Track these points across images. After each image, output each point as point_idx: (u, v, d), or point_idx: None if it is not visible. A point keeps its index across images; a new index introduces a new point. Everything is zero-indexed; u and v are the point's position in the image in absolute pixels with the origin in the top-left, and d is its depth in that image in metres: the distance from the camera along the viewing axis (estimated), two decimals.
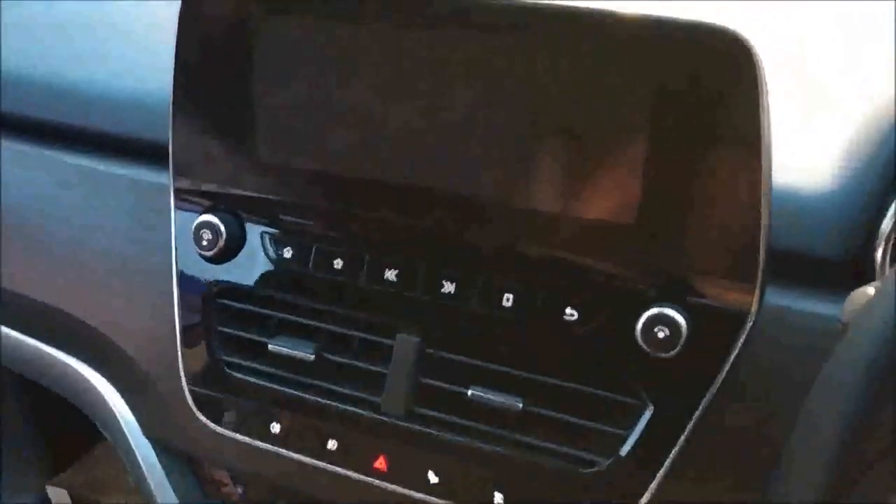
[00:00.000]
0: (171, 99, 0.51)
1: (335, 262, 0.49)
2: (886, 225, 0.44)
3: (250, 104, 0.49)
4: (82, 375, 0.64)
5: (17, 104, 0.66)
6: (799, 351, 0.44)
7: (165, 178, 0.54)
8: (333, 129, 0.48)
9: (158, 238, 0.57)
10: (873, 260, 0.44)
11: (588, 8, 0.41)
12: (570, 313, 0.45)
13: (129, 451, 0.62)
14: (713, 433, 0.44)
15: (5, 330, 0.68)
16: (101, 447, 0.97)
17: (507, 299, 0.46)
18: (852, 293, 0.36)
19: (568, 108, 0.43)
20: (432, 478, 0.49)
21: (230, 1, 0.48)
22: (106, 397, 0.63)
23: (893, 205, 0.45)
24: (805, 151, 0.47)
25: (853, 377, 0.29)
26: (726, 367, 0.42)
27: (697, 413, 0.43)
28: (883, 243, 0.44)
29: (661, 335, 0.42)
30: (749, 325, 0.42)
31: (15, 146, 0.66)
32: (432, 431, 0.48)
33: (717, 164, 0.40)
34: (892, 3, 0.53)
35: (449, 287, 0.47)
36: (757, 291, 0.42)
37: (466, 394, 0.47)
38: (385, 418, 0.49)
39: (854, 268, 0.45)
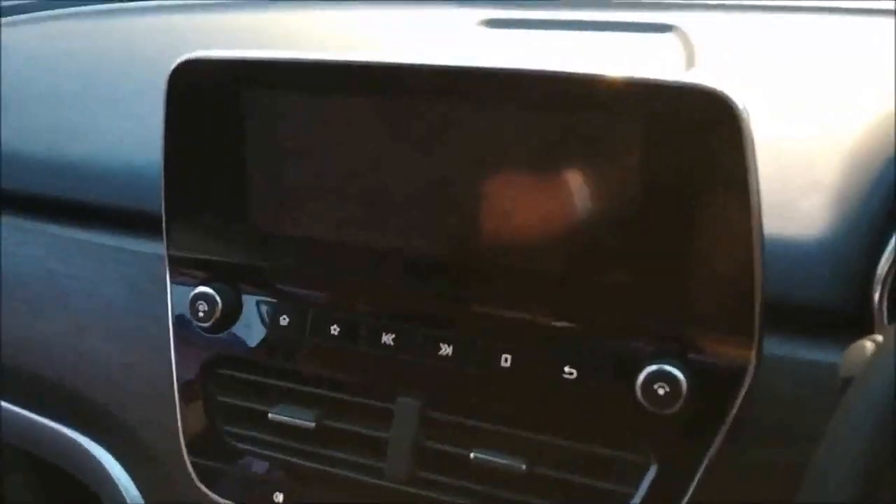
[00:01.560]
0: (161, 171, 0.52)
1: (332, 328, 0.49)
2: (882, 269, 0.44)
3: (241, 174, 0.49)
4: (83, 447, 0.64)
5: (13, 179, 0.66)
6: (801, 401, 0.44)
7: (160, 249, 0.54)
8: (324, 197, 0.48)
9: (157, 308, 0.56)
10: (871, 304, 0.44)
11: (573, 70, 0.41)
12: (569, 372, 0.45)
13: None
14: (718, 486, 0.44)
15: (6, 404, 0.68)
16: None
17: (506, 360, 0.46)
18: (849, 348, 0.36)
19: (559, 171, 0.43)
20: None
21: (216, 73, 0.49)
22: (108, 469, 0.62)
23: (889, 247, 0.45)
24: (799, 196, 0.47)
25: (856, 441, 0.29)
26: (729, 421, 0.42)
27: (702, 468, 0.43)
28: (879, 288, 0.44)
29: (661, 392, 0.42)
30: (749, 378, 0.42)
31: (13, 221, 0.66)
32: (437, 496, 0.48)
33: (707, 220, 0.40)
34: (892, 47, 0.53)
35: (446, 349, 0.47)
36: (755, 344, 0.41)
37: (469, 456, 0.47)
38: (389, 483, 0.49)
39: (853, 313, 0.45)
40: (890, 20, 0.61)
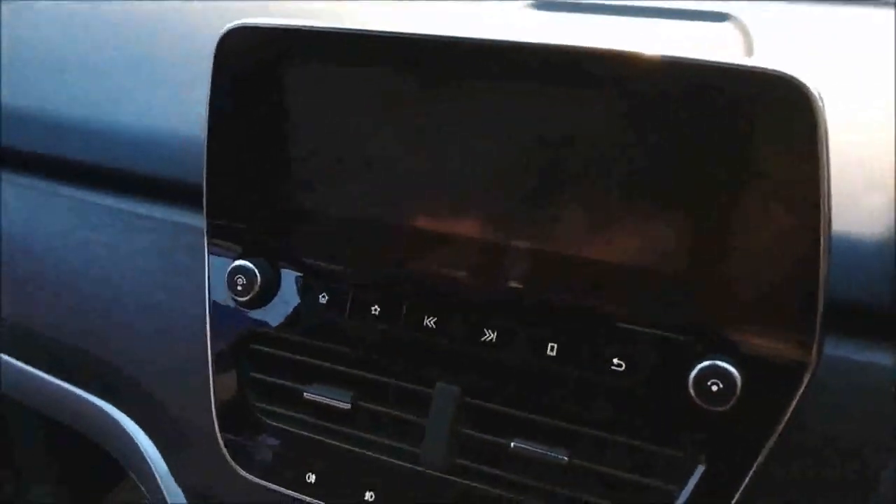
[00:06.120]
0: (204, 143, 0.50)
1: (373, 308, 0.48)
2: None
3: (284, 150, 0.48)
4: (112, 419, 0.63)
5: (48, 145, 0.65)
6: (857, 404, 0.42)
7: (197, 220, 0.53)
8: (368, 176, 0.47)
9: (191, 281, 0.56)
10: None
11: (638, 51, 0.40)
12: (618, 364, 0.43)
13: (160, 498, 0.61)
14: (768, 489, 0.42)
15: (34, 371, 0.68)
16: (122, 490, 0.96)
17: (552, 349, 0.45)
18: None
19: (614, 156, 0.41)
20: None
21: (264, 41, 0.48)
22: (138, 442, 0.62)
23: None
24: (860, 194, 0.45)
25: None
26: (783, 422, 0.41)
27: (752, 469, 0.41)
28: None
29: (714, 388, 0.40)
30: (807, 378, 0.40)
31: (45, 187, 0.66)
32: (473, 484, 0.47)
33: (774, 213, 0.39)
34: None
35: (490, 335, 0.46)
36: (815, 344, 0.40)
37: (509, 446, 0.46)
38: (424, 470, 0.48)
39: None
40: None
